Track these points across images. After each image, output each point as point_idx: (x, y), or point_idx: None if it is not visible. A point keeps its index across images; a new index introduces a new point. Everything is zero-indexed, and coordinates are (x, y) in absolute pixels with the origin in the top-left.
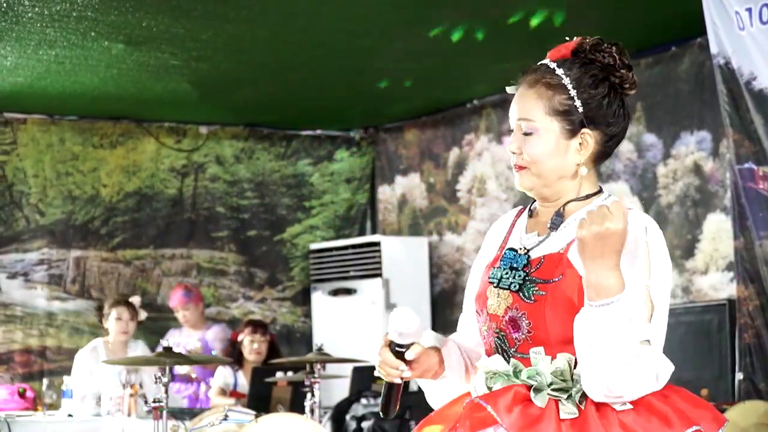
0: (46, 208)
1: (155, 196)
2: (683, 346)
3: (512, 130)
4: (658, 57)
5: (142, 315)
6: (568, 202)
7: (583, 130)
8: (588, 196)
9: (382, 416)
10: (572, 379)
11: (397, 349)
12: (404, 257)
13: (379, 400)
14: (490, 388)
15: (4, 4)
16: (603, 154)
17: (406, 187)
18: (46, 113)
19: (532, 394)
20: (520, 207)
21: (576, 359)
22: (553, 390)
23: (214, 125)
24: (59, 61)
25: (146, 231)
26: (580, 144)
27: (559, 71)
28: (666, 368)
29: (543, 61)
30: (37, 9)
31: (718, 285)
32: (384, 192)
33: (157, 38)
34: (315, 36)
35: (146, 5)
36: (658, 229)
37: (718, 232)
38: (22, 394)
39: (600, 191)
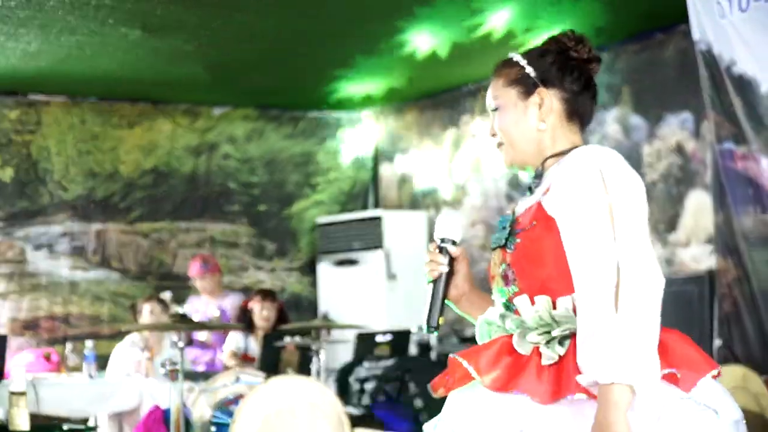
0: (69, 184)
1: (171, 173)
2: (666, 314)
3: None
4: (644, 44)
5: (173, 309)
6: (546, 159)
7: (538, 89)
8: (564, 152)
9: (425, 329)
10: (554, 321)
11: (441, 245)
12: (404, 231)
13: (432, 313)
14: (489, 337)
15: None
16: (573, 111)
17: (406, 165)
18: (68, 95)
19: (516, 342)
20: None
21: (555, 301)
22: (538, 335)
23: (226, 107)
24: (80, 47)
25: (163, 206)
26: (539, 104)
27: (511, 54)
28: (652, 272)
29: (508, 56)
30: None
31: (699, 257)
32: (385, 169)
33: (171, 25)
34: (319, 22)
35: None
36: (611, 155)
37: (699, 207)
38: (47, 358)
39: (574, 147)
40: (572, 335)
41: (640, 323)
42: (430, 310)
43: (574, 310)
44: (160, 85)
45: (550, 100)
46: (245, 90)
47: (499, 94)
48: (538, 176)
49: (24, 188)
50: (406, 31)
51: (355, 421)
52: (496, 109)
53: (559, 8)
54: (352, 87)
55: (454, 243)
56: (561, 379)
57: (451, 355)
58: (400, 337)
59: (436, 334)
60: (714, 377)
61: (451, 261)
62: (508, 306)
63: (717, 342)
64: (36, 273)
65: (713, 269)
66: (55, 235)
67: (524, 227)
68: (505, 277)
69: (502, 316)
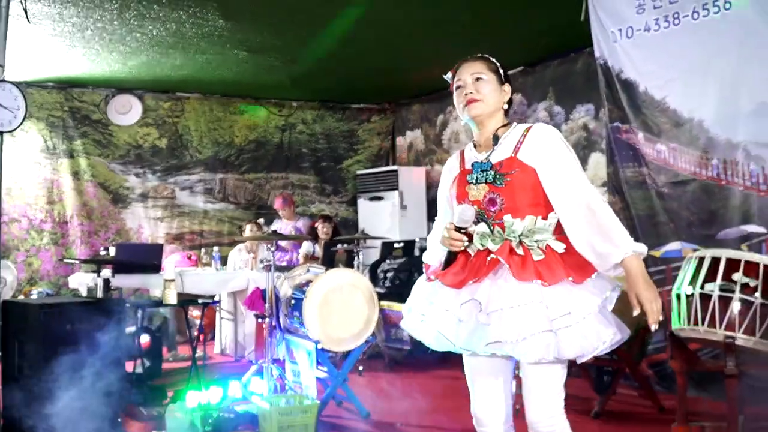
0: (202, 149)
1: (266, 142)
2: None
3: (459, 87)
4: (562, 60)
5: (266, 229)
6: (498, 129)
7: (504, 84)
8: (507, 125)
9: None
10: (535, 232)
11: (460, 228)
12: (411, 179)
13: (443, 261)
14: (483, 244)
15: (173, 26)
16: (510, 102)
17: (412, 138)
18: (201, 93)
19: (514, 245)
20: (460, 150)
21: (537, 218)
22: (527, 241)
23: (300, 101)
24: (208, 62)
25: (261, 163)
26: (504, 91)
27: (489, 56)
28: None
29: (479, 54)
30: (194, 30)
31: None
32: (400, 140)
33: (266, 48)
34: (362, 49)
35: (260, 27)
36: (559, 133)
37: (597, 163)
38: (189, 258)
39: (511, 122)
40: (547, 244)
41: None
42: (447, 264)
43: (546, 226)
44: (260, 87)
45: (508, 91)
46: (313, 90)
47: (485, 72)
48: (496, 137)
49: (173, 152)
50: (415, 52)
51: (380, 296)
52: (480, 78)
53: (515, 39)
54: (379, 88)
55: (465, 229)
56: (553, 271)
57: (492, 256)
58: (409, 245)
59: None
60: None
61: (469, 238)
62: (485, 219)
63: None
64: (181, 205)
65: (606, 202)
66: (193, 181)
67: (509, 172)
68: (491, 202)
69: (499, 232)
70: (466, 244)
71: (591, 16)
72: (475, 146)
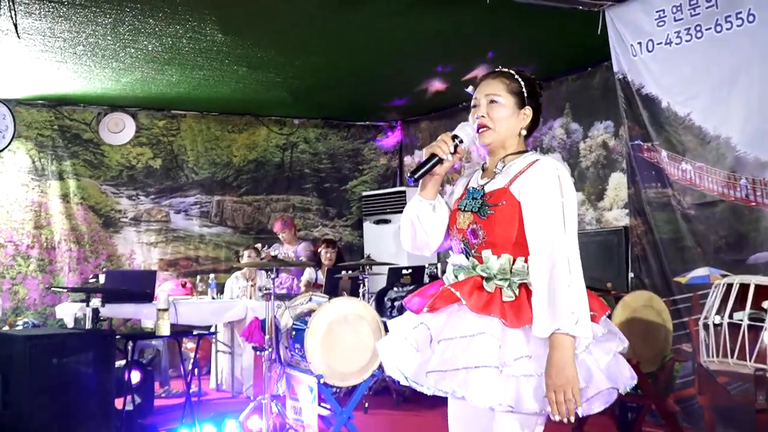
0: (199, 170)
1: (266, 162)
2: (596, 256)
3: (475, 106)
4: (579, 74)
5: (263, 254)
6: (507, 155)
7: (525, 107)
8: (520, 152)
9: (410, 176)
10: (511, 272)
11: (454, 139)
12: None
13: (421, 172)
14: (456, 276)
15: (169, 41)
16: (531, 128)
17: (421, 157)
18: (198, 110)
19: (484, 282)
20: (476, 169)
21: (514, 258)
22: (498, 280)
23: (302, 118)
24: (206, 79)
25: (261, 184)
26: (524, 115)
27: (514, 73)
28: (577, 259)
29: (504, 69)
30: (191, 45)
31: (618, 217)
32: (407, 160)
33: (267, 64)
34: (368, 63)
35: (260, 43)
36: (564, 169)
37: (618, 184)
38: (183, 285)
39: (527, 150)
40: (521, 284)
41: (582, 293)
42: (421, 168)
43: (526, 269)
44: (259, 104)
45: (529, 116)
46: (315, 107)
47: (501, 94)
48: (502, 164)
49: (168, 172)
50: (422, 70)
51: (387, 327)
52: (494, 101)
53: (528, 53)
54: (386, 105)
55: (461, 142)
56: (521, 313)
57: (445, 286)
58: (417, 271)
59: (412, 183)
60: (608, 317)
61: (454, 152)
62: (468, 251)
63: (631, 275)
64: (176, 229)
65: (628, 225)
66: (189, 203)
67: (496, 203)
68: (474, 233)
69: (474, 266)
70: (449, 156)
71: (609, 28)
72: (484, 168)
